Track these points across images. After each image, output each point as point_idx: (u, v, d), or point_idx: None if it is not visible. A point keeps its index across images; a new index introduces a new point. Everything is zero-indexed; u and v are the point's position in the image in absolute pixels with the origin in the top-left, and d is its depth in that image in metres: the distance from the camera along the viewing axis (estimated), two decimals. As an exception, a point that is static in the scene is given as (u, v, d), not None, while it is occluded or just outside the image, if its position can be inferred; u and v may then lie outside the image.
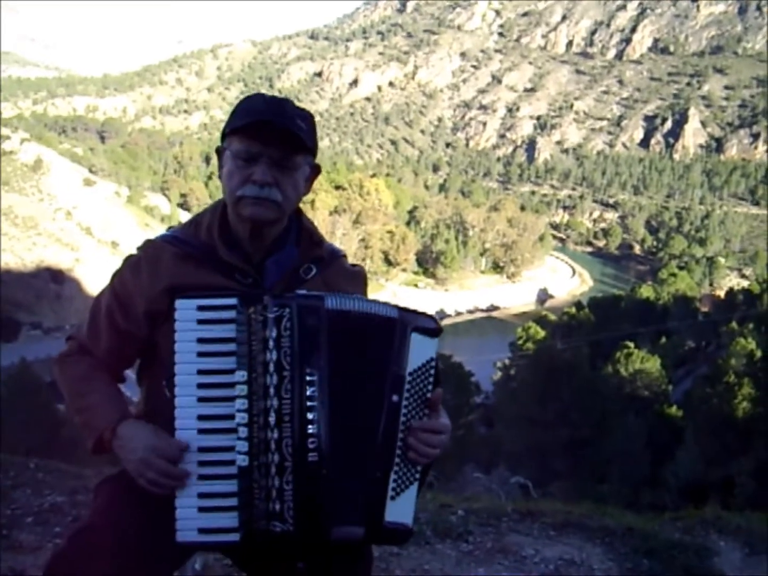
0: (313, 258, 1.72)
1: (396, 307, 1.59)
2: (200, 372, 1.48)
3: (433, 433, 1.58)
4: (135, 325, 1.65)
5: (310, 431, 1.46)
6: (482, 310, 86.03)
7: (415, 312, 1.62)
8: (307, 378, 1.47)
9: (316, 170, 1.71)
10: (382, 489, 1.53)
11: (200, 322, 1.49)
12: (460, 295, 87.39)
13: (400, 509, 1.55)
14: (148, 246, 1.69)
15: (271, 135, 1.57)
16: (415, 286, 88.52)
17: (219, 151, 1.67)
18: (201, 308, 1.50)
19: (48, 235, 77.99)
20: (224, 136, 1.65)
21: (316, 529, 1.48)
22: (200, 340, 1.49)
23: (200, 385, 1.48)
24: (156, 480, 1.48)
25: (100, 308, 1.70)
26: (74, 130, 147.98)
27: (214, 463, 1.48)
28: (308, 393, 1.47)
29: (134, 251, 1.71)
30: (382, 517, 1.52)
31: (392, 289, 79.75)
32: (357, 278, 1.83)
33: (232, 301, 1.50)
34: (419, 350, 1.57)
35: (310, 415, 1.46)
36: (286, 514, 1.46)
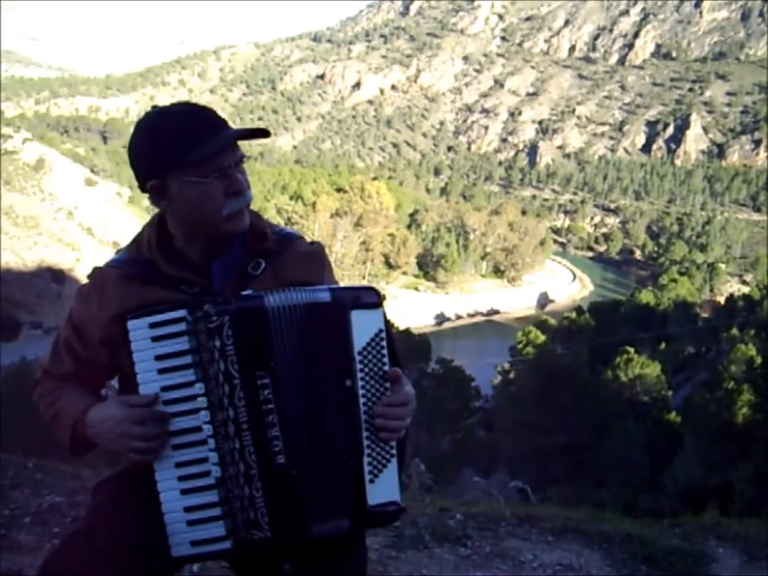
0: (260, 252, 1.67)
1: (329, 289, 1.56)
2: (164, 389, 1.49)
3: (398, 407, 1.56)
4: (93, 353, 1.66)
5: (272, 435, 1.46)
6: (483, 314, 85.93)
7: (351, 288, 1.59)
8: (259, 382, 1.46)
9: None
10: (358, 476, 1.52)
11: (155, 339, 1.48)
12: (460, 298, 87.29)
13: (383, 489, 1.54)
14: (95, 274, 1.68)
15: (228, 140, 1.57)
16: (416, 289, 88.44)
17: (157, 188, 1.57)
18: (152, 325, 1.49)
19: (49, 235, 78.08)
20: (161, 169, 1.56)
21: (296, 531, 1.49)
22: (158, 357, 1.48)
23: (166, 402, 1.49)
24: (144, 447, 1.49)
25: (60, 340, 1.71)
26: (76, 131, 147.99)
27: (193, 476, 1.49)
28: (263, 397, 1.46)
29: (86, 280, 1.71)
30: (364, 502, 1.52)
31: (393, 292, 79.68)
32: (312, 259, 1.77)
33: (181, 313, 1.48)
34: (364, 326, 1.54)
35: (269, 419, 1.46)
36: (262, 522, 1.47)
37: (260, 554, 1.56)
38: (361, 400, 1.53)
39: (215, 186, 1.56)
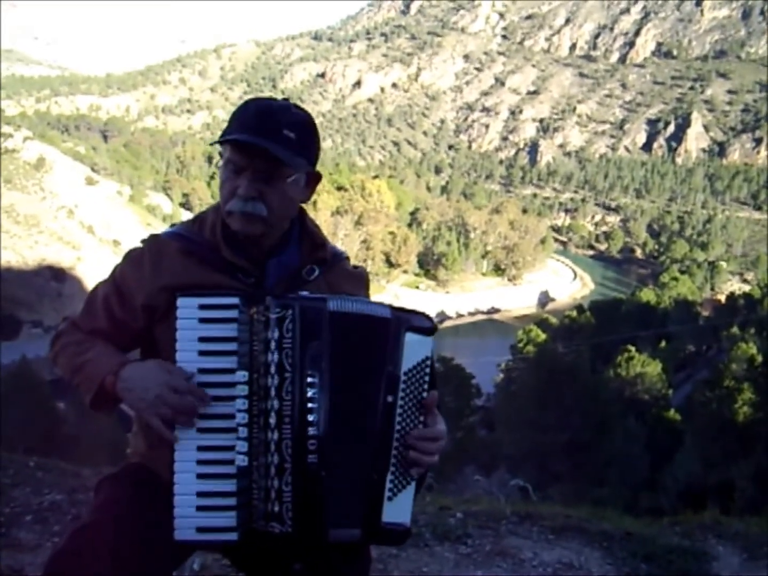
0: (315, 259, 1.72)
1: (389, 306, 1.58)
2: (201, 371, 1.50)
3: (430, 441, 1.58)
4: (131, 316, 1.65)
5: (311, 433, 1.47)
6: (483, 313, 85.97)
7: (409, 311, 1.61)
8: (309, 380, 1.47)
9: (314, 177, 1.71)
10: (379, 490, 1.54)
11: (202, 320, 1.50)
12: (461, 297, 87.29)
13: (398, 510, 1.56)
14: (152, 241, 1.70)
15: (255, 149, 1.57)
16: (416, 287, 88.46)
17: (221, 153, 1.67)
18: (203, 307, 1.50)
19: (50, 234, 78.00)
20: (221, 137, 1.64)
21: (314, 531, 1.49)
22: (202, 339, 1.49)
23: (201, 384, 1.49)
24: (171, 416, 1.49)
25: (97, 296, 1.71)
26: (77, 129, 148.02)
27: (214, 462, 1.48)
28: (309, 395, 1.47)
29: (138, 244, 1.72)
30: (379, 517, 1.53)
31: (393, 291, 79.67)
32: (359, 280, 1.84)
33: (234, 300, 1.49)
34: (414, 350, 1.56)
35: (310, 417, 1.47)
36: (285, 516, 1.47)
37: (270, 549, 1.56)
38: (397, 419, 1.55)
39: (228, 179, 1.61)
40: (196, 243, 1.66)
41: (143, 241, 1.71)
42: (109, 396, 1.57)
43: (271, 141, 1.56)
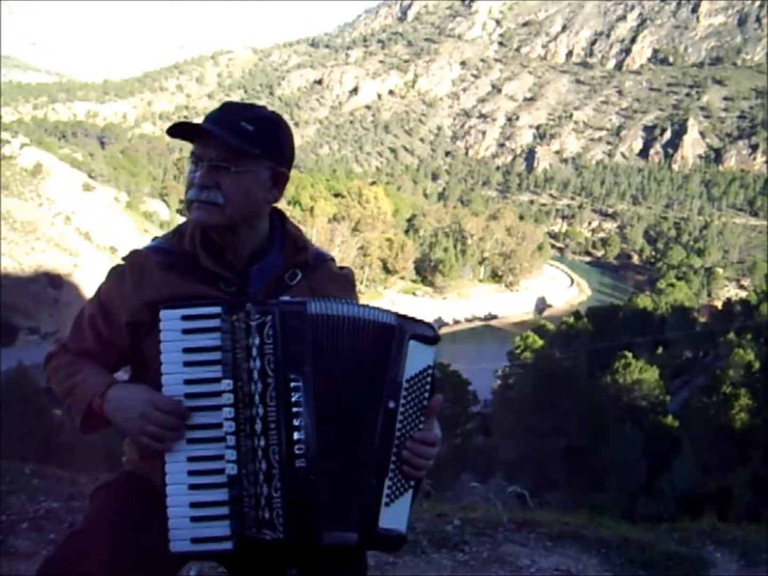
0: (297, 263, 1.70)
1: (394, 313, 1.58)
2: (187, 382, 1.49)
3: (426, 445, 1.56)
4: (117, 334, 1.65)
5: (297, 437, 1.47)
6: (480, 319, 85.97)
7: (413, 319, 1.60)
8: (292, 384, 1.47)
9: (281, 176, 1.66)
10: (377, 495, 1.52)
11: (185, 331, 1.49)
12: (458, 303, 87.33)
13: (394, 516, 1.54)
14: (133, 256, 1.68)
15: (209, 138, 1.57)
16: (413, 294, 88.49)
17: None
18: (185, 318, 1.50)
19: (47, 240, 77.88)
20: None
21: (307, 536, 1.48)
22: (186, 350, 1.49)
23: (188, 395, 1.49)
24: (158, 433, 1.48)
25: (83, 316, 1.70)
26: (74, 136, 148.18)
27: (204, 472, 1.48)
28: (293, 399, 1.47)
29: (120, 261, 1.71)
30: (375, 523, 1.52)
31: (390, 297, 79.65)
32: (344, 281, 1.81)
33: (216, 309, 1.49)
34: (417, 357, 1.56)
35: (296, 422, 1.47)
36: (276, 522, 1.46)
37: (265, 556, 1.54)
38: (397, 425, 1.54)
39: (190, 171, 1.62)
40: (176, 255, 1.65)
41: (125, 258, 1.69)
42: (98, 417, 1.57)
43: (224, 129, 1.56)
